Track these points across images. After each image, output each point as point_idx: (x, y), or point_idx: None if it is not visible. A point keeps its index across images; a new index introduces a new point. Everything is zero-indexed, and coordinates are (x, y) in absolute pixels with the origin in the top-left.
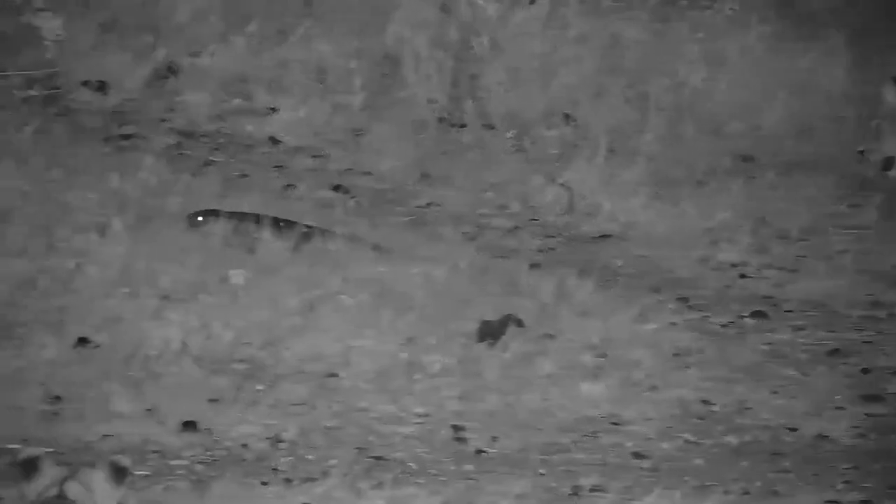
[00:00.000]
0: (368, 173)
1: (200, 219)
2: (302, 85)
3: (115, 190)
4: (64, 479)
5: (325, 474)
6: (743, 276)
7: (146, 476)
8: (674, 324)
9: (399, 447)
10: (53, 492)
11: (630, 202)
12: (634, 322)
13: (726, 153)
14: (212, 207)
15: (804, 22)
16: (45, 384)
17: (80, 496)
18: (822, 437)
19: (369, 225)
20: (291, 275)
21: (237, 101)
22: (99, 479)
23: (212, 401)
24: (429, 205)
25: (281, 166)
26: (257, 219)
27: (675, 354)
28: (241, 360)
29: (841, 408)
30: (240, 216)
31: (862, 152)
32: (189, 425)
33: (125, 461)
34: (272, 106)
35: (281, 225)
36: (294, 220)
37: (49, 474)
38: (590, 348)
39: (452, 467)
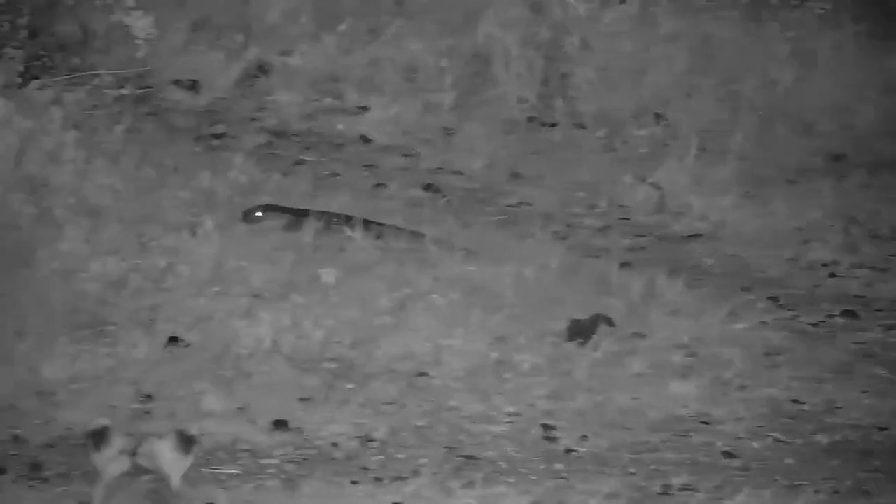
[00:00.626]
0: (459, 172)
1: (259, 214)
2: (393, 83)
3: (205, 189)
4: (133, 450)
5: (415, 473)
6: (833, 275)
7: (237, 475)
8: (764, 323)
9: (489, 446)
10: (126, 465)
11: (720, 201)
12: (725, 321)
13: (817, 152)
14: (270, 203)
15: (895, 20)
16: (136, 383)
17: (150, 464)
18: None
19: (459, 224)
20: (382, 274)
21: (328, 100)
22: (166, 447)
23: (302, 400)
24: (519, 204)
25: (371, 165)
26: (315, 216)
27: (766, 354)
28: (332, 359)
29: None
30: (297, 212)
31: None
32: (280, 424)
33: (192, 430)
34: (363, 105)
35: (334, 221)
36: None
37: (117, 444)
38: (680, 347)
39: (542, 466)
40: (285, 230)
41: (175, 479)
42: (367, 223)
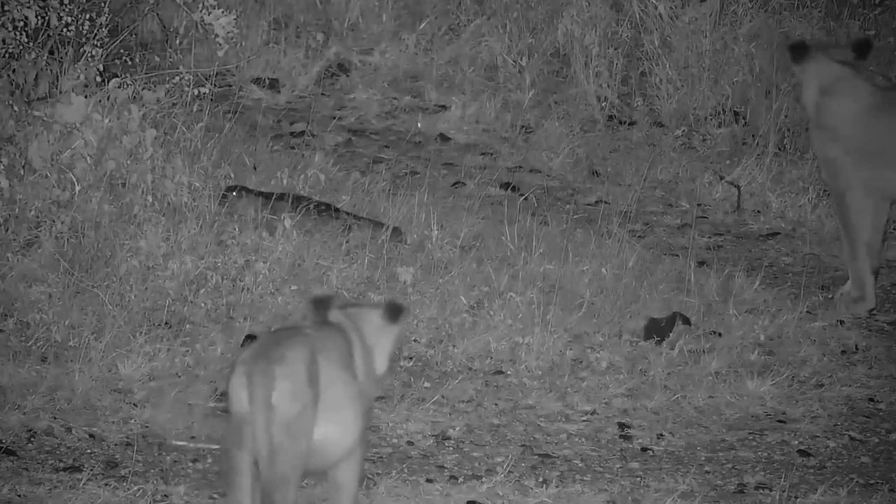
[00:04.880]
0: (538, 171)
1: (234, 194)
2: (472, 82)
3: (285, 187)
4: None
5: (491, 472)
6: None
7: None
8: (841, 322)
9: (565, 445)
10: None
11: (798, 200)
12: (802, 320)
13: None
14: (243, 185)
15: None
16: (213, 381)
17: (342, 321)
18: None
19: (537, 222)
20: (460, 272)
21: (407, 99)
22: (375, 316)
23: (379, 398)
24: (597, 202)
25: (450, 164)
26: (282, 197)
27: (843, 352)
28: (409, 358)
29: None
30: (267, 195)
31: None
32: None
33: (402, 301)
34: (442, 103)
35: (300, 205)
36: (310, 197)
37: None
38: (757, 346)
39: (618, 465)
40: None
41: (382, 352)
42: (335, 210)
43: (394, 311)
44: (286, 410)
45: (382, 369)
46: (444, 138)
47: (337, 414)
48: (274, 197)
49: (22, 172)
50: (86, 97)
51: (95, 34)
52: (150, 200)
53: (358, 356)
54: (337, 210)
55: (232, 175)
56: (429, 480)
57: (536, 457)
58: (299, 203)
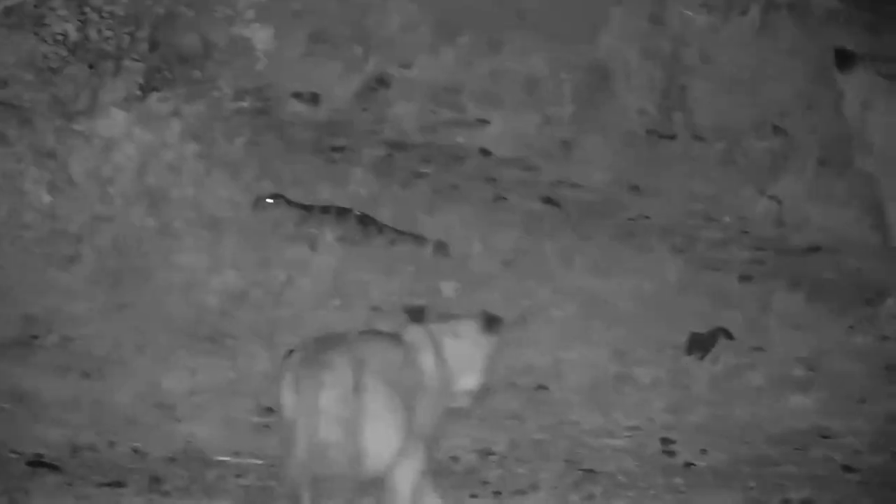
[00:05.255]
0: (578, 185)
1: (270, 201)
2: (512, 96)
3: (325, 201)
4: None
5: (534, 487)
6: None
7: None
8: (885, 337)
9: (609, 460)
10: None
11: (840, 214)
12: (845, 335)
13: None
14: (279, 193)
15: None
16: (256, 396)
17: (417, 340)
18: None
19: (579, 237)
20: (502, 287)
21: (447, 113)
22: (471, 327)
23: (459, 411)
24: (638, 217)
25: (491, 178)
26: (325, 210)
27: (886, 367)
28: None
29: None
30: (308, 208)
31: None
32: None
33: (498, 312)
34: (483, 117)
35: (342, 218)
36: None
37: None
38: (800, 361)
39: (661, 480)
40: (296, 224)
41: (471, 366)
42: (372, 221)
43: (490, 323)
44: (334, 413)
45: (472, 385)
46: (484, 152)
47: (372, 425)
48: (316, 210)
49: (63, 187)
50: (126, 111)
51: (135, 48)
52: (192, 215)
53: (427, 367)
54: (379, 224)
55: (273, 187)
56: (473, 496)
57: (580, 472)
58: (341, 217)
